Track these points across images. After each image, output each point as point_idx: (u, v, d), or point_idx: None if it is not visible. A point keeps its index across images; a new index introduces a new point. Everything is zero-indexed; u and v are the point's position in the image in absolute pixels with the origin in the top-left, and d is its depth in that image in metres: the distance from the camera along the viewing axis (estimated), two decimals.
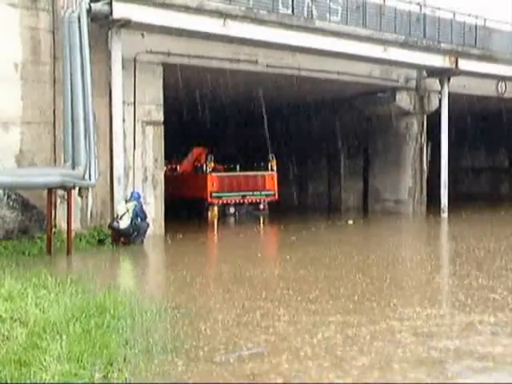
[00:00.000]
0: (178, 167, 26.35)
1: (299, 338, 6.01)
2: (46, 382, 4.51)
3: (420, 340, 5.95)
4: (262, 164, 23.32)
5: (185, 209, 22.39)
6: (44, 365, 4.78)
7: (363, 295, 8.13)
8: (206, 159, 22.91)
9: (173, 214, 17.48)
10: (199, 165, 23.92)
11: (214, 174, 22.28)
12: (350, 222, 19.93)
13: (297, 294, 8.21)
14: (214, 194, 22.05)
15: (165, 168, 25.86)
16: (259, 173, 23.07)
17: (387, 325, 6.55)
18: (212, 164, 22.42)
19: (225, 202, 22.29)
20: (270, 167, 23.10)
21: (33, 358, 4.92)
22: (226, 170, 23.41)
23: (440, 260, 12.92)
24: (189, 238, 15.62)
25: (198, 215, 21.81)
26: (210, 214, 21.93)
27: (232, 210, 22.48)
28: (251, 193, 22.60)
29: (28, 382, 4.50)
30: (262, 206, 22.82)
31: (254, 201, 22.74)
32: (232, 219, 22.10)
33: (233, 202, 22.40)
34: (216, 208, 22.05)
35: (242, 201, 22.52)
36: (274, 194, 22.96)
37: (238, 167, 23.65)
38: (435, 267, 11.12)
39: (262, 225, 21.30)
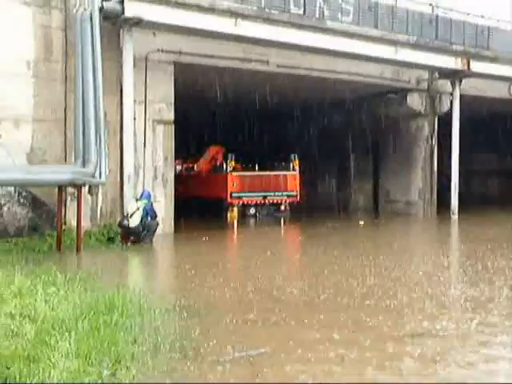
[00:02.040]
0: (195, 166, 26.08)
1: None
2: (54, 379, 4.51)
3: None
4: (284, 164, 22.84)
5: (202, 209, 21.86)
6: (52, 361, 4.79)
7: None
8: (225, 158, 22.39)
9: (189, 213, 17.26)
10: (218, 164, 23.39)
11: (234, 174, 21.73)
12: (361, 222, 19.94)
13: None
14: (234, 195, 21.49)
15: (180, 167, 25.73)
16: (281, 172, 22.56)
17: None
18: (233, 163, 21.88)
19: (245, 202, 21.77)
20: (292, 167, 22.59)
21: (41, 354, 4.94)
22: (243, 170, 22.79)
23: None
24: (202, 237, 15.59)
25: (217, 216, 21.23)
26: (229, 214, 21.33)
27: (252, 210, 21.92)
28: (273, 193, 22.07)
29: (35, 380, 4.49)
30: (282, 207, 22.31)
31: (275, 201, 22.24)
32: (252, 220, 21.53)
33: (253, 202, 21.90)
34: (236, 209, 21.49)
35: (262, 201, 21.99)
36: (296, 195, 22.41)
37: (256, 167, 22.99)
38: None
39: (281, 226, 20.69)
